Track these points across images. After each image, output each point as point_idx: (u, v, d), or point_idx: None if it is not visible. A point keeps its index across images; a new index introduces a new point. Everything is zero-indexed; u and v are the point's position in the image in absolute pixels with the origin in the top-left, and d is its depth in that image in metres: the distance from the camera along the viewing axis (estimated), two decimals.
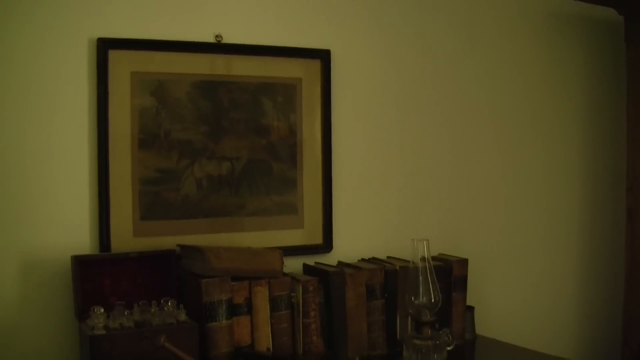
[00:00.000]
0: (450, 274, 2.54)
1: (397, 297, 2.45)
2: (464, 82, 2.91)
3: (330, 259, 2.60)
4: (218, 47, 2.45)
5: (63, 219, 2.27)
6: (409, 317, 2.37)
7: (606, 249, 3.25)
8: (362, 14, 2.70)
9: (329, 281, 2.38)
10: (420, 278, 2.33)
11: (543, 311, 3.08)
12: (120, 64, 2.32)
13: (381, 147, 2.75)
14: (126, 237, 2.33)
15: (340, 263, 2.57)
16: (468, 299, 2.65)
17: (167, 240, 2.37)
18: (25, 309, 2.22)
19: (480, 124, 2.95)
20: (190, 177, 2.42)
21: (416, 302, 2.32)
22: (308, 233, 2.61)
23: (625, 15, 3.04)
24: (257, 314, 2.24)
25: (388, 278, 2.46)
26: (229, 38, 2.46)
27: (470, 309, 2.64)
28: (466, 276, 2.57)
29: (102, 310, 2.04)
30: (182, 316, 2.09)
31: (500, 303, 2.98)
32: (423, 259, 2.35)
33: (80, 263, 2.16)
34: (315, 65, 2.60)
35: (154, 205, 2.38)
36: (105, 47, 2.29)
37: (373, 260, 2.60)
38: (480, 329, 2.70)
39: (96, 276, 2.21)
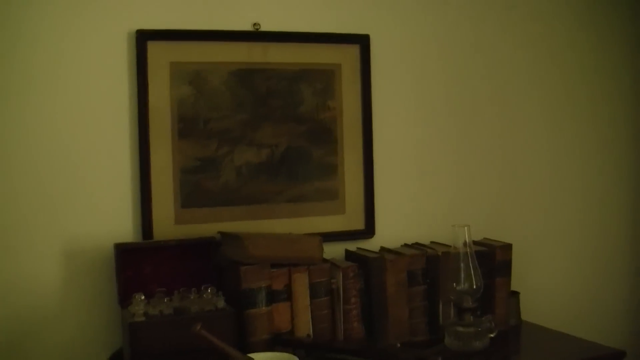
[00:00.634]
0: (493, 259, 2.50)
1: (439, 283, 2.43)
2: (509, 64, 2.86)
3: (372, 244, 2.60)
4: (256, 35, 2.46)
5: (106, 208, 2.31)
6: (451, 304, 2.35)
7: None
8: None
9: (369, 267, 2.38)
10: (462, 264, 2.33)
11: (593, 297, 3.03)
12: (159, 54, 2.34)
13: (423, 132, 2.73)
14: (168, 225, 2.36)
15: (382, 249, 2.56)
16: (514, 284, 2.62)
17: (207, 227, 2.39)
18: (69, 297, 2.27)
19: (526, 106, 2.90)
20: (229, 164, 2.44)
21: (457, 288, 2.31)
22: (349, 218, 2.60)
23: None
24: (297, 301, 2.25)
25: (430, 264, 2.44)
26: (266, 26, 2.46)
27: (515, 294, 2.61)
28: (510, 261, 2.53)
29: (143, 297, 2.07)
30: (221, 303, 2.11)
31: (548, 289, 2.93)
32: (465, 244, 2.34)
33: (122, 251, 2.20)
34: (354, 50, 2.58)
35: (194, 193, 2.40)
36: (144, 38, 2.32)
37: (416, 245, 2.58)
38: (527, 315, 2.66)
39: (138, 263, 2.24)
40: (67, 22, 2.26)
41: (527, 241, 2.86)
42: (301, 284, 2.26)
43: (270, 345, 2.17)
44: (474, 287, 2.30)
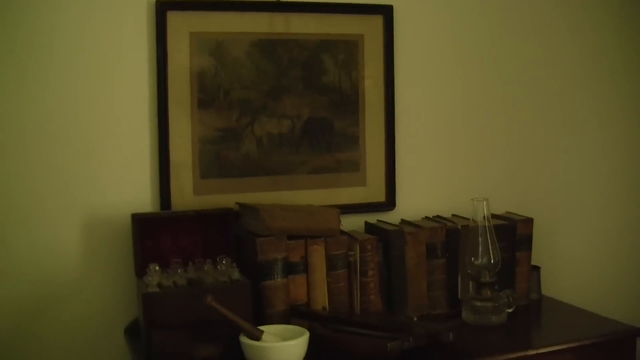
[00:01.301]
0: (514, 233, 2.48)
1: (459, 257, 2.42)
2: (535, 38, 2.81)
3: (393, 216, 2.58)
4: (277, 6, 2.43)
5: (125, 178, 2.33)
6: (469, 278, 2.34)
7: None
8: None
9: (388, 240, 2.37)
10: (480, 239, 2.31)
11: (615, 273, 2.99)
12: (179, 24, 2.34)
13: (445, 104, 2.70)
14: (187, 195, 2.38)
15: (402, 221, 2.54)
16: (536, 259, 2.60)
17: (227, 198, 2.40)
18: (88, 266, 2.30)
19: (552, 80, 2.85)
20: (250, 135, 2.44)
21: (476, 262, 2.30)
22: (371, 190, 2.59)
23: None
24: (314, 273, 2.25)
25: (450, 237, 2.43)
26: None
27: (537, 268, 2.59)
28: (531, 235, 2.51)
29: (157, 267, 2.09)
30: (236, 274, 2.12)
31: (571, 264, 2.90)
32: (484, 218, 2.32)
33: (139, 221, 2.22)
34: (378, 21, 2.55)
35: (214, 163, 2.41)
36: (164, 8, 2.31)
37: (437, 218, 2.56)
38: (549, 291, 2.64)
39: (156, 234, 2.25)
40: None
41: (551, 216, 2.83)
42: (318, 256, 2.26)
43: (287, 317, 2.18)
44: (492, 261, 2.29)
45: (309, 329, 2.01)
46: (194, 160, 2.39)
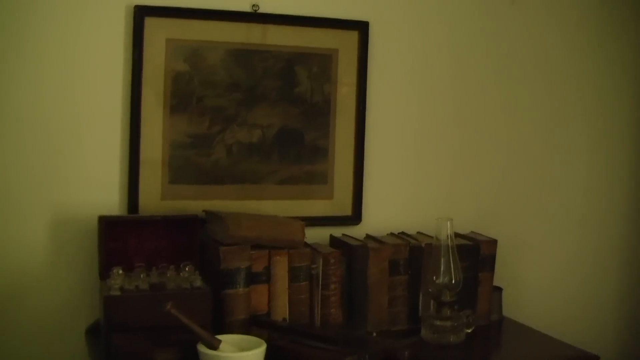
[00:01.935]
0: (478, 253, 2.51)
1: (421, 274, 2.44)
2: (509, 57, 2.84)
3: (358, 231, 2.60)
4: (254, 16, 2.45)
5: (94, 179, 2.33)
6: (430, 296, 2.37)
7: None
8: None
9: (352, 254, 2.39)
10: (442, 258, 2.33)
11: (577, 297, 3.02)
12: (156, 30, 2.35)
13: (416, 121, 2.72)
14: (154, 200, 2.38)
15: (367, 236, 2.57)
16: (501, 280, 2.63)
17: (195, 204, 2.41)
18: (53, 266, 2.30)
19: (521, 103, 2.88)
20: (221, 143, 2.45)
21: (437, 281, 2.33)
22: (337, 204, 2.62)
23: None
24: (276, 284, 2.27)
25: (413, 254, 2.45)
26: (265, 7, 2.46)
27: (499, 289, 2.62)
28: (494, 256, 2.54)
29: (121, 271, 2.09)
30: (198, 282, 2.13)
31: (535, 286, 2.93)
32: (448, 237, 2.35)
33: (105, 223, 2.22)
34: (353, 36, 2.57)
35: (183, 169, 2.42)
36: (141, 14, 2.32)
37: (402, 235, 2.59)
38: (511, 312, 2.67)
39: (122, 236, 2.26)
40: None
41: (516, 238, 2.86)
42: (281, 267, 2.27)
43: (247, 326, 2.19)
44: (453, 281, 2.31)
45: (268, 339, 2.02)
46: (164, 164, 2.40)
